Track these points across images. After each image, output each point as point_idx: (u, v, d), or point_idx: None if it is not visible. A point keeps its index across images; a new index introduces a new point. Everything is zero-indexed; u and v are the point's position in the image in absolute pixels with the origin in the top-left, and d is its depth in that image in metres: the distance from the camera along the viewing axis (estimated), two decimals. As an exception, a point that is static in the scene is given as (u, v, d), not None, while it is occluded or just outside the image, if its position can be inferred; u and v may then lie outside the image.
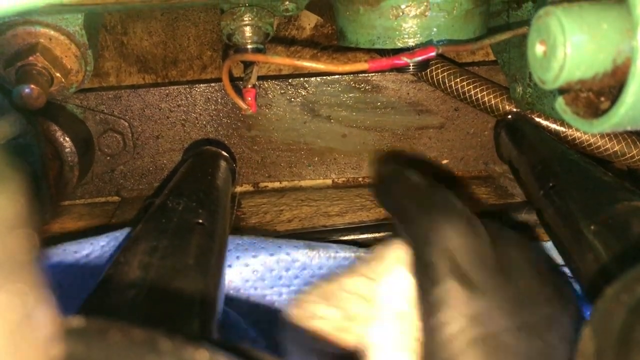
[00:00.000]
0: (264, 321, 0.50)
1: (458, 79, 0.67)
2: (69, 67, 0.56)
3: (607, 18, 0.31)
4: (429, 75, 0.68)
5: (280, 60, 0.47)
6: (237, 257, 0.50)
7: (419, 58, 0.47)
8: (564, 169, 0.46)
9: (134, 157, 0.72)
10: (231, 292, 0.50)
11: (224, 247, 0.47)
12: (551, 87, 0.32)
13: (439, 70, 0.68)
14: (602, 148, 0.63)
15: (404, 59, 0.47)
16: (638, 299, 0.24)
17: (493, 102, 0.66)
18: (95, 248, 0.50)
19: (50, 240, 0.53)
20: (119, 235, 0.51)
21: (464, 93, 0.67)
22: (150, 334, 0.19)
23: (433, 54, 0.47)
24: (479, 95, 0.67)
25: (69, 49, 0.55)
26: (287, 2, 0.51)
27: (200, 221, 0.44)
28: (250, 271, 0.50)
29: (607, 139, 0.63)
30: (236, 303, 0.49)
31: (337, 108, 0.72)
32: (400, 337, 0.38)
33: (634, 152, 0.63)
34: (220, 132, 0.72)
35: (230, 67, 0.50)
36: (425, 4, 0.49)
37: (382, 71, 0.67)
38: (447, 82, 0.67)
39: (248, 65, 0.51)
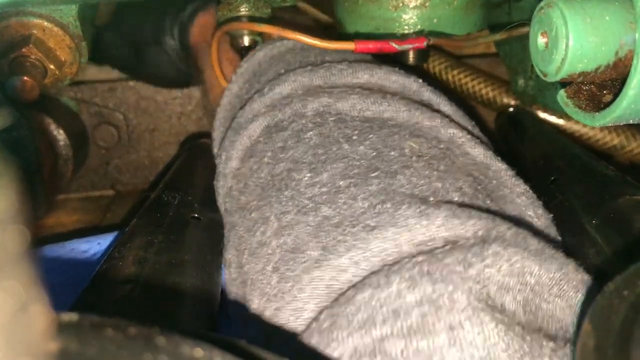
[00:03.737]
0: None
1: (455, 72, 0.67)
2: (63, 59, 0.55)
3: (610, 10, 0.30)
4: (426, 67, 0.67)
5: (267, 29, 0.47)
6: None
7: (409, 46, 0.47)
8: (566, 163, 0.46)
9: (129, 151, 0.71)
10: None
11: (220, 242, 0.47)
12: (553, 79, 0.32)
13: (436, 63, 0.67)
14: (601, 141, 0.63)
15: (392, 45, 0.47)
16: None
17: (491, 94, 0.66)
18: (102, 247, 0.50)
19: (54, 237, 0.52)
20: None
21: (461, 86, 0.67)
22: (146, 330, 0.18)
23: (423, 44, 0.48)
24: (477, 88, 0.66)
25: (62, 41, 0.54)
26: (284, -7, 0.50)
27: (196, 215, 0.44)
28: None
29: (606, 131, 0.63)
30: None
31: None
32: None
33: (633, 145, 0.62)
34: (217, 126, 0.71)
35: (220, 40, 0.50)
36: (425, -6, 0.49)
37: (371, 54, 0.66)
38: (444, 74, 0.67)
39: (244, 54, 0.50)
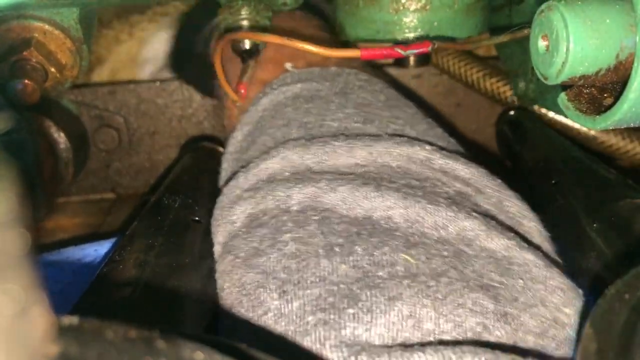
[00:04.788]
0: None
1: (467, 66, 0.65)
2: (64, 62, 0.55)
3: (610, 13, 0.30)
4: (440, 61, 0.66)
5: (271, 38, 0.47)
6: None
7: (414, 51, 0.47)
8: (567, 166, 0.46)
9: (130, 154, 0.71)
10: None
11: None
12: (554, 82, 0.32)
13: (450, 57, 0.66)
14: (599, 140, 0.63)
15: (398, 50, 0.47)
16: (641, 297, 0.24)
17: (502, 89, 0.65)
18: (98, 254, 0.50)
19: (52, 245, 0.52)
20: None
21: (473, 81, 0.66)
22: (146, 333, 0.18)
23: (428, 48, 0.47)
24: (488, 83, 0.65)
25: (63, 44, 0.54)
26: (285, -4, 0.50)
27: (197, 218, 0.44)
28: None
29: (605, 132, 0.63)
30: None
31: (335, 104, 0.71)
32: None
33: (632, 147, 0.62)
34: (217, 129, 0.71)
35: (222, 50, 0.50)
36: (425, -3, 0.49)
37: (376, 61, 0.66)
38: (456, 68, 0.66)
39: (246, 59, 0.50)
